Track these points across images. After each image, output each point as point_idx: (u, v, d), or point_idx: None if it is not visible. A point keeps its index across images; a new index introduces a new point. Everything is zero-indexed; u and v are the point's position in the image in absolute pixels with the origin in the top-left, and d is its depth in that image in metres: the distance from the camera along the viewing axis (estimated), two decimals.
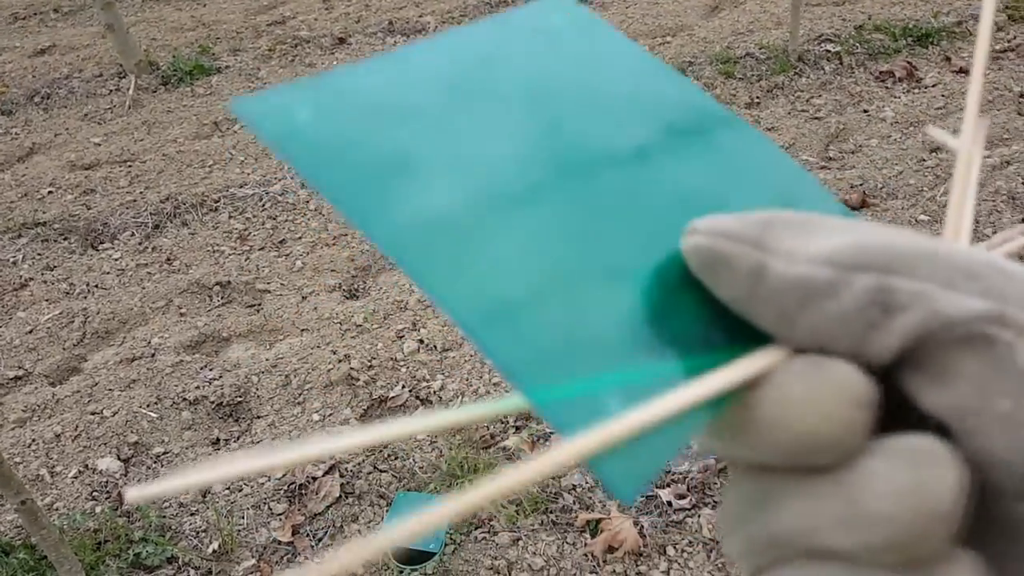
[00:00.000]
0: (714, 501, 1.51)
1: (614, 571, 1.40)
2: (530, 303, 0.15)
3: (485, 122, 0.18)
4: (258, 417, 1.77)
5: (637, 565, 1.41)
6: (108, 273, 2.32)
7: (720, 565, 1.40)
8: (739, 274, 0.15)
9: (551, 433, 1.65)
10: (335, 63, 3.52)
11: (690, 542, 1.44)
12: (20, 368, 1.98)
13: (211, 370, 1.90)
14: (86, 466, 1.67)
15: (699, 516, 1.47)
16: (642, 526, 1.46)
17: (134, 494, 0.15)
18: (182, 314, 2.12)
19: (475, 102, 0.18)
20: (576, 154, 0.17)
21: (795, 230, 0.15)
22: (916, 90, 2.81)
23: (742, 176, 0.18)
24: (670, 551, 1.43)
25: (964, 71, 2.87)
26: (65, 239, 2.49)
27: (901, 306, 0.13)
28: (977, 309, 0.13)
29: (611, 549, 1.43)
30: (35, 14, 4.47)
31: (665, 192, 0.17)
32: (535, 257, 0.15)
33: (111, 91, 3.42)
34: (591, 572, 1.40)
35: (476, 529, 1.47)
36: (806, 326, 0.14)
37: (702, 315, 0.15)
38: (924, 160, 2.43)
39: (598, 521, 1.47)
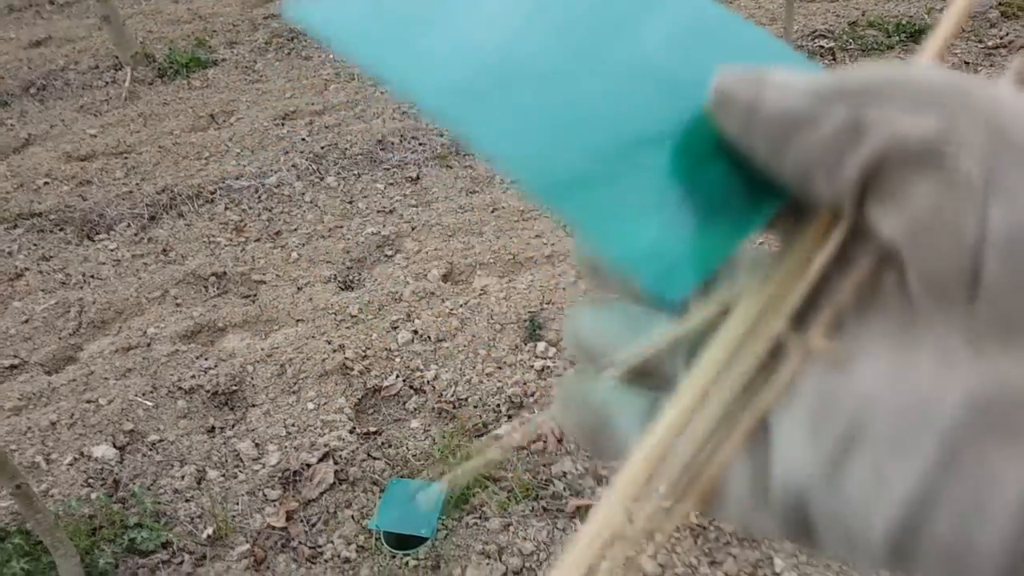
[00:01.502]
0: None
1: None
2: (587, 169, 0.17)
3: (510, 8, 0.20)
4: (253, 406, 1.79)
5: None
6: (104, 264, 2.33)
7: (707, 551, 1.42)
8: (740, 106, 0.17)
9: (541, 419, 1.67)
10: (331, 56, 3.52)
11: (677, 527, 1.46)
12: (16, 357, 1.99)
13: (207, 359, 1.92)
14: (81, 453, 1.69)
15: None
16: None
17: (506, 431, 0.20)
18: (178, 304, 2.13)
19: None
20: (602, 41, 0.20)
21: (789, 72, 0.17)
22: None
23: (744, 56, 0.20)
24: (658, 536, 1.45)
25: (957, 68, 2.89)
26: (61, 230, 2.49)
27: (870, 129, 0.15)
28: (929, 128, 0.14)
29: None
30: (31, 5, 4.46)
31: (683, 74, 0.19)
32: (587, 127, 0.18)
33: (107, 83, 3.42)
34: None
35: (468, 515, 1.49)
36: (792, 153, 0.16)
37: (728, 171, 0.18)
38: None
39: (588, 507, 1.48)
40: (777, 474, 0.16)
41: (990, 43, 3.02)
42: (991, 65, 2.89)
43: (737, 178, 0.18)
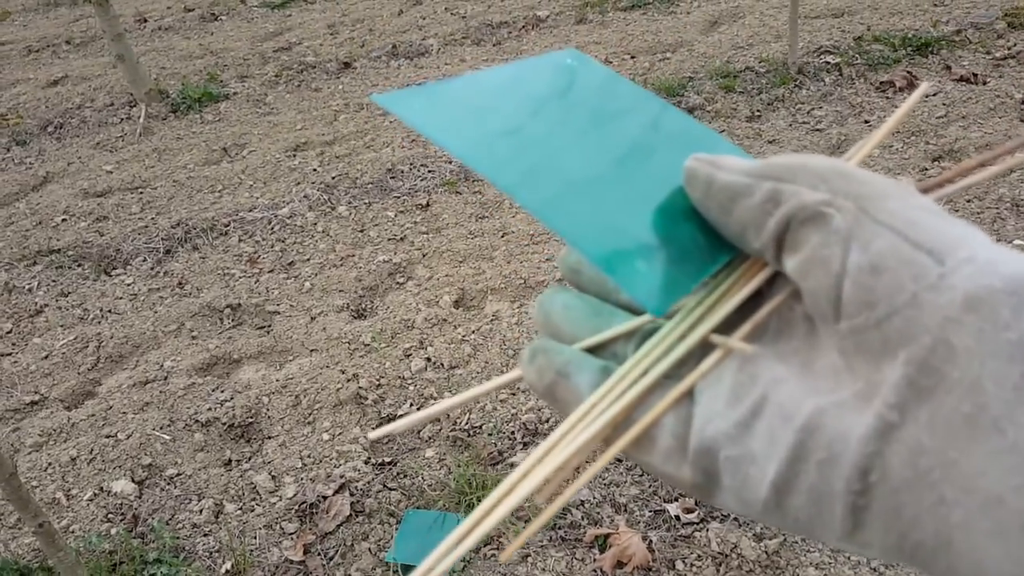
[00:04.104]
0: (722, 515, 1.51)
1: None
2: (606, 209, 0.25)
3: (543, 118, 0.27)
4: (269, 437, 1.79)
5: None
6: (121, 298, 2.36)
7: None
8: (701, 181, 0.23)
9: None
10: (341, 87, 3.58)
11: (699, 556, 1.44)
12: (36, 393, 2.02)
13: (223, 392, 1.93)
14: (101, 488, 1.70)
15: (707, 530, 1.47)
16: (651, 541, 1.46)
17: (375, 434, 0.25)
18: (194, 337, 2.16)
19: (531, 106, 0.27)
20: (602, 140, 0.27)
21: (735, 159, 0.23)
22: None
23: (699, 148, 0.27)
24: (679, 565, 1.43)
25: (965, 79, 2.88)
26: (79, 265, 2.53)
27: (784, 200, 0.21)
28: (820, 198, 0.20)
29: (620, 564, 1.43)
30: (48, 46, 4.58)
31: (663, 160, 0.27)
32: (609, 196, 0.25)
33: (122, 120, 3.49)
34: None
35: (485, 546, 1.48)
36: (734, 215, 0.22)
37: (697, 229, 0.25)
38: (926, 169, 2.44)
39: (607, 536, 1.47)
40: (696, 428, 0.21)
41: (998, 54, 3.01)
42: (1000, 76, 2.88)
43: (702, 234, 0.24)
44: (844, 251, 0.19)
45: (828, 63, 3.07)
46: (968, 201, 2.25)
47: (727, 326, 0.23)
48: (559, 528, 1.50)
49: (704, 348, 0.23)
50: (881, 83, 2.92)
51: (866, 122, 2.74)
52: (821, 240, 0.20)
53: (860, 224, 0.19)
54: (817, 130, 2.73)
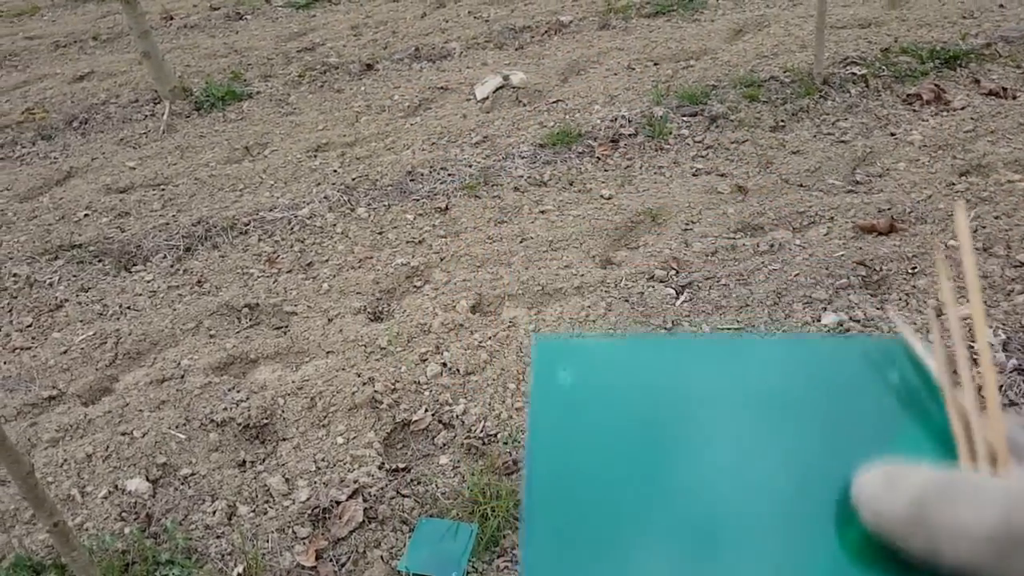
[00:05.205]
0: None
1: None
2: None
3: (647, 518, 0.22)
4: (283, 439, 1.79)
5: None
6: (140, 295, 2.37)
7: None
8: (918, 549, 0.20)
9: None
10: (363, 89, 3.58)
11: None
12: (54, 388, 2.03)
13: (239, 392, 1.93)
14: (116, 487, 1.70)
15: None
16: None
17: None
18: (211, 336, 2.16)
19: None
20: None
21: (944, 505, 0.20)
22: (944, 113, 2.77)
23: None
24: None
25: (994, 93, 2.83)
26: (100, 261, 2.55)
27: (941, 556, 0.19)
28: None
29: None
30: (75, 42, 4.63)
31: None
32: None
33: (146, 116, 3.52)
34: None
35: (498, 557, 1.46)
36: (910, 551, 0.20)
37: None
38: (953, 184, 2.39)
39: None
40: None
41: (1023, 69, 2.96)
42: None
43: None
44: None
45: (854, 74, 3.03)
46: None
47: None
48: None
49: None
50: (908, 95, 2.88)
51: (892, 134, 2.70)
52: None
53: None
54: (842, 142, 2.69)
